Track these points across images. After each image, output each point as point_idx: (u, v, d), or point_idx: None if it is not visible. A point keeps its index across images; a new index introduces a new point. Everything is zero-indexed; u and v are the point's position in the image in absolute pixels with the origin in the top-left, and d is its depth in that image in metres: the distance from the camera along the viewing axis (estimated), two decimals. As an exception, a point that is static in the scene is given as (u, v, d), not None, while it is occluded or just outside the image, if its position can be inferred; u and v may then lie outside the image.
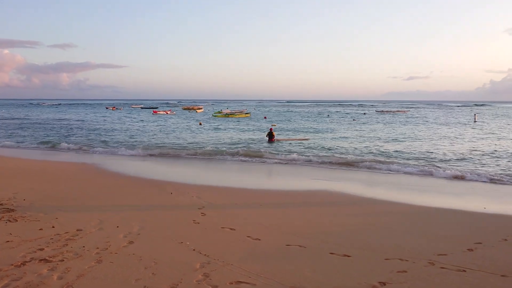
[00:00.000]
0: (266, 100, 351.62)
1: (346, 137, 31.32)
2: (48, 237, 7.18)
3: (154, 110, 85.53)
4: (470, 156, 20.75)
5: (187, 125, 47.07)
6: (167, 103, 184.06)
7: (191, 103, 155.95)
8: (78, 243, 6.93)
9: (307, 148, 24.04)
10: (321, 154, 21.09)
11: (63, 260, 6.10)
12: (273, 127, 31.87)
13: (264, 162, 19.00)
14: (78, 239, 7.15)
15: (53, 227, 7.82)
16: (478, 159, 19.52)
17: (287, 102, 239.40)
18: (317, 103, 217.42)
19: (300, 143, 26.46)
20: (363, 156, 20.35)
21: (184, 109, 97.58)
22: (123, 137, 31.52)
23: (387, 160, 18.87)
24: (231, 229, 8.05)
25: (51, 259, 6.13)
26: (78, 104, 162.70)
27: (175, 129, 40.07)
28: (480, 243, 7.32)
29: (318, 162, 18.47)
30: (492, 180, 14.24)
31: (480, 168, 16.78)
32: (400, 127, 43.44)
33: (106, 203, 10.21)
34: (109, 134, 34.53)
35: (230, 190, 12.49)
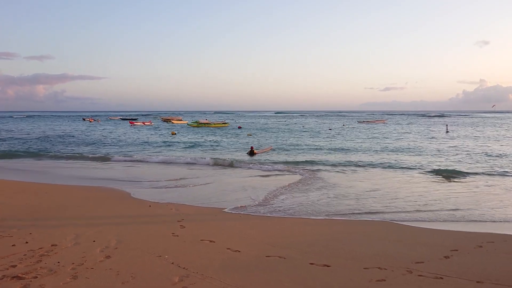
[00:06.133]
0: (253, 111, 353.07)
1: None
2: (21, 254, 6.96)
3: (131, 121, 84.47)
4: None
5: (160, 135, 46.84)
6: (148, 114, 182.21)
7: (175, 114, 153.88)
8: (52, 258, 6.74)
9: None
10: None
11: (37, 277, 5.91)
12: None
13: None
14: (53, 254, 6.95)
15: (26, 242, 7.60)
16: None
17: (276, 113, 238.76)
18: (302, 113, 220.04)
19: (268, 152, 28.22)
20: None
21: (164, 120, 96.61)
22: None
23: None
24: (210, 241, 7.98)
25: (24, 276, 5.94)
26: (50, 116, 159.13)
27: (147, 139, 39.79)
28: (456, 250, 7.46)
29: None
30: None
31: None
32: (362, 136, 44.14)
33: (82, 217, 9.99)
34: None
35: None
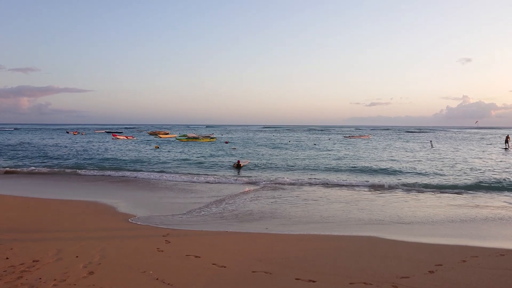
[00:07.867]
0: (242, 125, 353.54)
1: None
2: (1, 270, 6.80)
3: (114, 134, 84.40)
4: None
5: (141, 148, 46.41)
6: (133, 127, 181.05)
7: (162, 128, 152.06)
8: (34, 275, 6.60)
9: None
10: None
11: (17, 294, 5.78)
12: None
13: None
14: (34, 270, 6.81)
15: (7, 258, 7.43)
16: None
17: (264, 127, 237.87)
18: (289, 128, 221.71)
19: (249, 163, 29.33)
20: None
21: (150, 134, 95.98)
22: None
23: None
24: (196, 256, 7.91)
25: (3, 293, 5.80)
26: (35, 129, 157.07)
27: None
28: (441, 265, 7.52)
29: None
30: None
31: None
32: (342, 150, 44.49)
33: (65, 231, 9.82)
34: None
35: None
